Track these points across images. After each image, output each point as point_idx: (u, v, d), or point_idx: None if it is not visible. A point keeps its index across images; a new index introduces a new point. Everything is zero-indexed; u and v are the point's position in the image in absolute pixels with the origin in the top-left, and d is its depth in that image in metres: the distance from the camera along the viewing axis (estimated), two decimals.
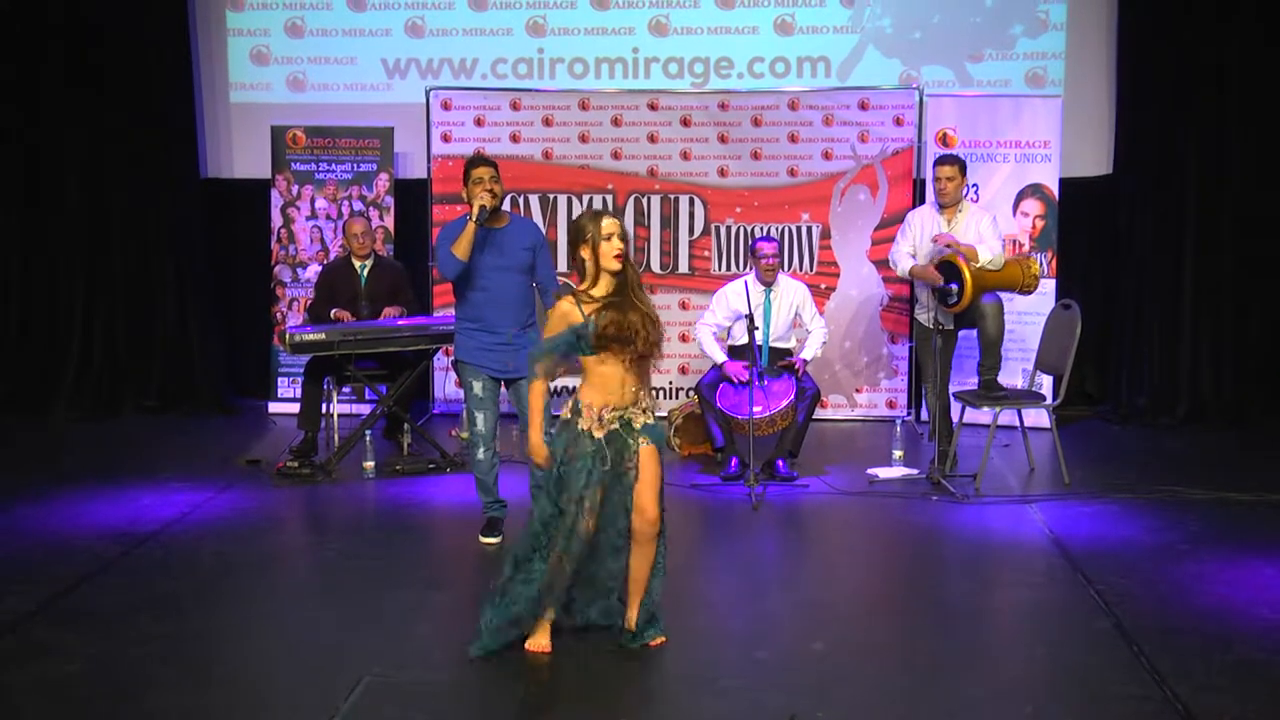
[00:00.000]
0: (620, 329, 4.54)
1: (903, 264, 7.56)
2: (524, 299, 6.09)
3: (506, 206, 6.27)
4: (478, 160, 6.07)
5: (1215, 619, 5.05)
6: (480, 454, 6.11)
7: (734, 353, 7.56)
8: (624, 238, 4.65)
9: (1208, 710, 4.20)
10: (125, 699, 4.35)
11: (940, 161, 7.56)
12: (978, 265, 7.14)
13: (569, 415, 4.68)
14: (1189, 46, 8.71)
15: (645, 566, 4.75)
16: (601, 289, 4.64)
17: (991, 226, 7.38)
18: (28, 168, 9.26)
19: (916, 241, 7.55)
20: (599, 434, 4.63)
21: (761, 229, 8.84)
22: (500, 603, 4.70)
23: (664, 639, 4.79)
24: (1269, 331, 8.84)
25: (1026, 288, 7.40)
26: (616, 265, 4.61)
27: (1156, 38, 8.78)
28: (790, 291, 7.66)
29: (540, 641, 4.74)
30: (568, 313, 4.59)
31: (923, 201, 8.50)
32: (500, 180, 6.01)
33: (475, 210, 5.85)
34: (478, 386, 6.06)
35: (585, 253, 4.64)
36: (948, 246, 7.22)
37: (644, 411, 4.68)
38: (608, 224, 4.63)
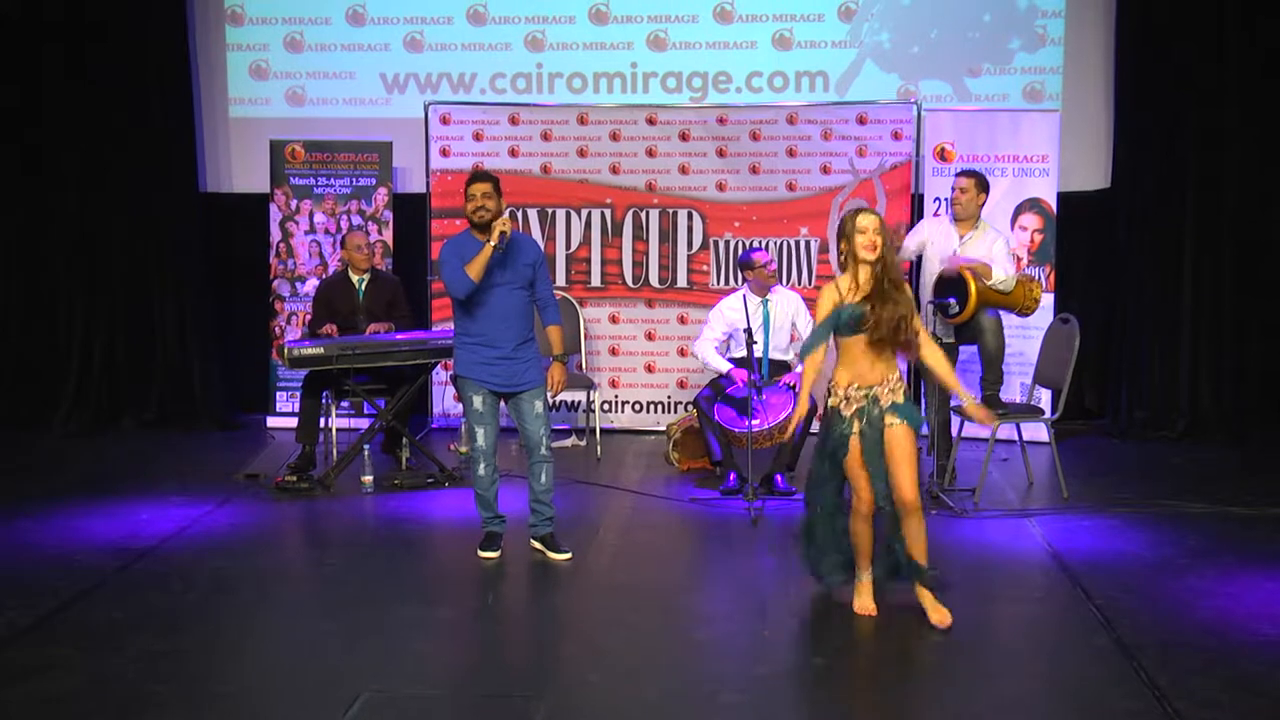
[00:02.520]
0: (878, 318, 5.01)
1: (908, 249, 7.57)
2: (524, 314, 6.09)
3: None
4: (474, 176, 6.09)
5: (1215, 634, 5.05)
6: (481, 469, 6.11)
7: (737, 364, 7.55)
8: (881, 232, 5.07)
9: None
10: (123, 715, 4.34)
11: (961, 173, 7.57)
12: (989, 283, 7.14)
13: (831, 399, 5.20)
14: (1187, 62, 8.73)
15: (918, 539, 5.13)
16: (861, 279, 5.08)
17: (1005, 250, 7.36)
18: (28, 184, 9.27)
19: (923, 241, 7.54)
20: (847, 411, 5.11)
21: (760, 243, 8.85)
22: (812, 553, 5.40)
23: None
24: (1268, 346, 8.85)
25: (1026, 309, 7.40)
26: (869, 255, 5.04)
27: (1154, 53, 8.80)
28: (786, 301, 7.67)
29: (864, 604, 5.24)
30: (830, 296, 5.12)
31: (921, 215, 8.53)
32: (498, 195, 6.02)
33: (496, 237, 5.85)
34: (478, 401, 6.06)
35: (844, 245, 5.12)
36: (961, 268, 7.20)
37: (892, 390, 5.10)
38: (863, 220, 5.09)
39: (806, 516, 5.43)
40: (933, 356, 5.26)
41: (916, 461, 5.13)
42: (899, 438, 5.08)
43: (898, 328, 5.04)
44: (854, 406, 5.11)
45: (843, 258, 5.15)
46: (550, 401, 6.23)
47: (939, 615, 5.10)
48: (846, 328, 5.08)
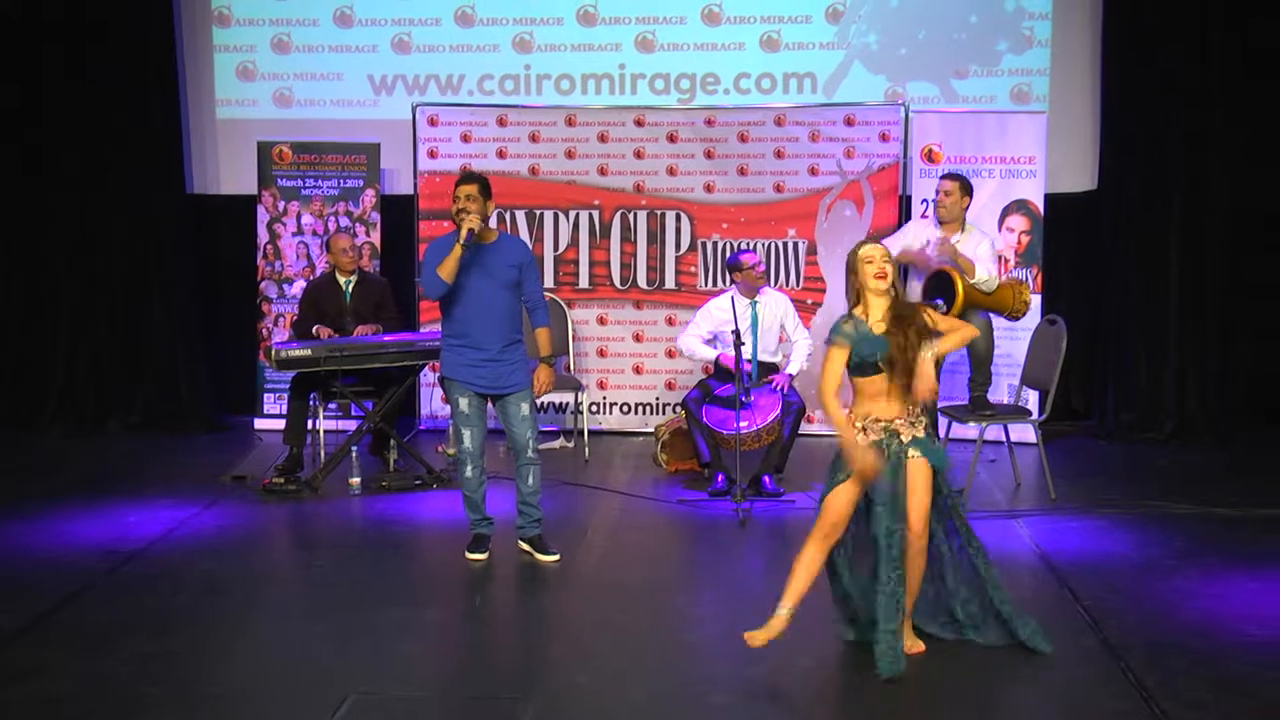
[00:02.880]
0: (901, 352, 4.76)
1: (895, 247, 7.59)
2: (510, 316, 6.08)
3: (494, 223, 6.27)
4: (462, 178, 6.07)
5: (1201, 634, 5.08)
6: (468, 471, 6.11)
7: (719, 370, 7.56)
8: (889, 260, 4.88)
9: None
10: (117, 716, 4.35)
11: (945, 176, 7.62)
12: (971, 281, 7.18)
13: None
14: (1172, 64, 8.76)
15: (916, 578, 4.85)
16: (873, 311, 4.85)
17: (989, 250, 7.41)
18: (15, 187, 9.24)
19: (908, 243, 7.59)
20: (864, 443, 4.79)
21: (748, 244, 8.86)
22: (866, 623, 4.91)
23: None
24: (1253, 348, 8.89)
25: (1015, 313, 7.44)
26: (880, 285, 4.83)
27: (1141, 56, 8.83)
28: (775, 303, 7.68)
29: (758, 637, 4.75)
30: (843, 343, 4.78)
31: (908, 217, 8.55)
32: (484, 198, 5.97)
33: (463, 233, 5.83)
34: (464, 403, 6.06)
35: (852, 278, 4.91)
36: (950, 251, 7.24)
37: (911, 425, 4.83)
38: (865, 250, 4.91)
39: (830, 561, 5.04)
40: (953, 333, 5.01)
41: (930, 496, 4.81)
42: (918, 469, 4.79)
43: (917, 359, 4.79)
44: (870, 440, 4.82)
45: (853, 293, 4.93)
46: (537, 403, 6.23)
47: (911, 643, 4.91)
48: (869, 367, 4.80)
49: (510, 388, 6.07)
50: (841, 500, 4.77)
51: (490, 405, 6.16)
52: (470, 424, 6.07)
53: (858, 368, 4.82)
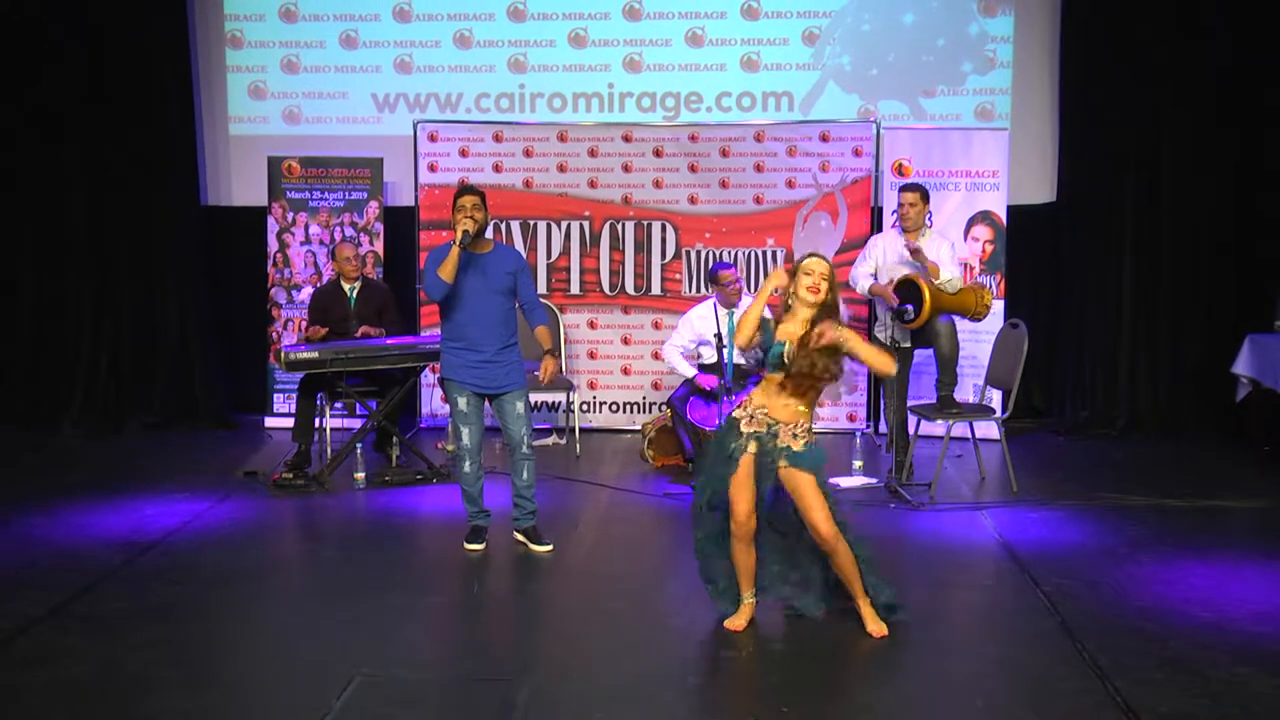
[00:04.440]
0: (797, 365, 4.73)
1: (862, 283, 7.62)
2: (505, 320, 6.08)
3: (490, 234, 6.27)
4: (462, 189, 6.07)
5: (1152, 617, 5.10)
6: (466, 467, 6.11)
7: (704, 370, 7.58)
8: (828, 279, 4.81)
9: (1144, 703, 4.25)
10: (129, 700, 4.33)
11: (904, 189, 7.63)
12: (936, 283, 7.20)
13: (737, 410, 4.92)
14: (1127, 84, 8.81)
15: (847, 567, 4.88)
16: (798, 318, 4.81)
17: (950, 252, 7.44)
18: (39, 197, 9.22)
19: (879, 262, 7.60)
20: (746, 427, 4.83)
21: (729, 253, 8.88)
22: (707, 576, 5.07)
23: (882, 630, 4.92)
24: (1201, 349, 8.91)
25: (978, 314, 7.46)
26: (810, 298, 4.79)
27: (1096, 75, 8.88)
28: None
29: (737, 622, 4.94)
30: (762, 321, 4.79)
31: (880, 228, 8.57)
32: (485, 208, 6.00)
33: (459, 235, 5.86)
34: (462, 402, 6.06)
35: (791, 284, 4.84)
36: (915, 252, 7.26)
37: (793, 436, 4.79)
38: (808, 262, 4.85)
39: (695, 534, 5.10)
40: (871, 360, 4.86)
41: (824, 498, 4.79)
42: (801, 482, 4.77)
43: (813, 375, 4.74)
44: (753, 428, 4.82)
45: (788, 297, 4.86)
46: (532, 401, 6.22)
47: (875, 626, 4.91)
48: (771, 360, 4.80)
49: (506, 387, 6.07)
50: (740, 498, 4.83)
51: (487, 405, 6.16)
52: (468, 422, 6.07)
53: (774, 360, 4.80)
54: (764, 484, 4.85)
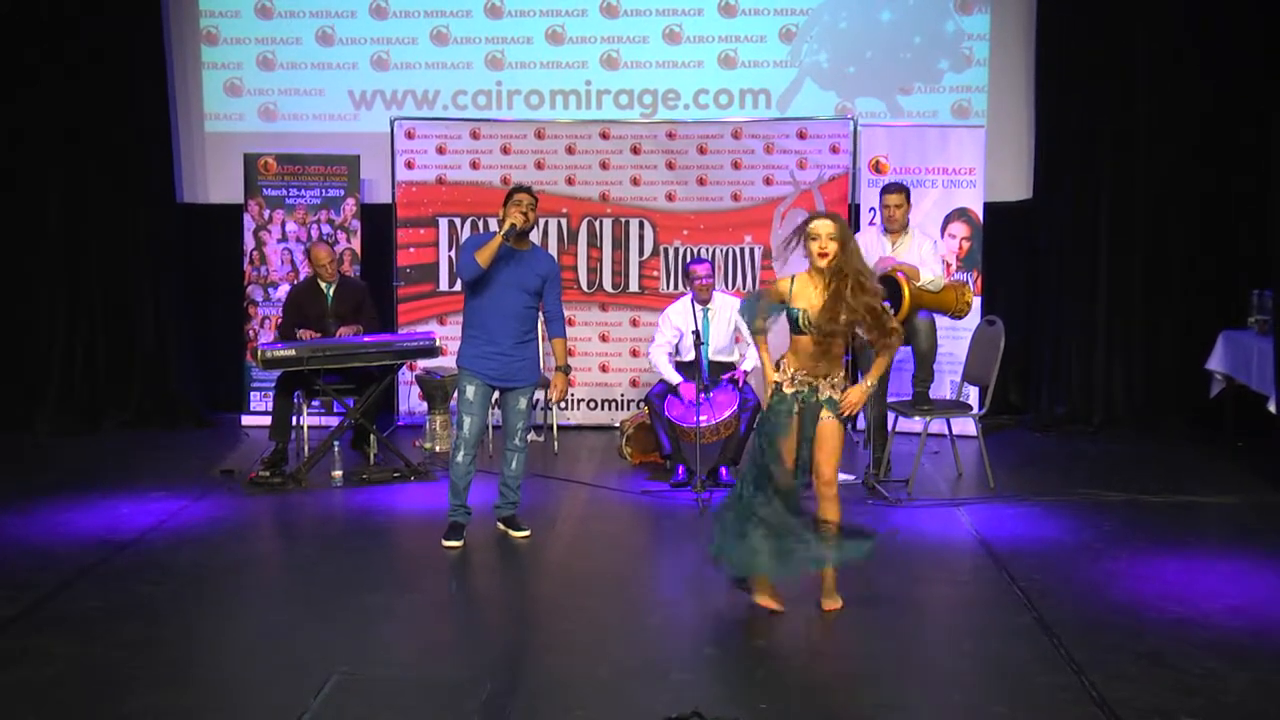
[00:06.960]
0: (819, 325, 4.93)
1: None
2: (524, 317, 6.14)
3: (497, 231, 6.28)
4: (519, 188, 6.15)
5: (1127, 612, 5.13)
6: (460, 456, 6.12)
7: (682, 368, 7.58)
8: (836, 239, 4.91)
9: (1120, 697, 4.28)
10: (105, 700, 4.31)
11: (888, 190, 7.62)
12: (918, 285, 7.21)
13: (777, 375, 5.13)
14: (1103, 82, 8.85)
15: (834, 515, 5.07)
16: (814, 280, 4.98)
17: (933, 251, 7.45)
18: (9, 193, 9.14)
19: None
20: (789, 390, 5.07)
21: (707, 250, 8.89)
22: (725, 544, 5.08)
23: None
24: (1176, 346, 8.96)
25: (959, 312, 7.47)
26: (820, 264, 4.93)
27: (1071, 73, 8.92)
28: (727, 307, 7.67)
29: (765, 599, 5.07)
30: (780, 289, 5.04)
31: (857, 226, 8.58)
32: (535, 209, 6.10)
33: (506, 226, 5.96)
34: (470, 391, 6.09)
35: (799, 242, 5.02)
36: (893, 270, 7.27)
37: (832, 386, 5.06)
38: (814, 225, 4.96)
39: (726, 498, 5.27)
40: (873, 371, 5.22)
41: (840, 453, 5.14)
42: (830, 429, 5.07)
43: (840, 332, 4.97)
44: (795, 387, 5.08)
45: (797, 251, 5.08)
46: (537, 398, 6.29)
47: (831, 601, 5.08)
48: (793, 324, 5.03)
49: (518, 383, 6.17)
50: (788, 457, 5.04)
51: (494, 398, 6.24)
52: (472, 412, 6.10)
53: (794, 324, 5.02)
54: (805, 443, 5.06)
